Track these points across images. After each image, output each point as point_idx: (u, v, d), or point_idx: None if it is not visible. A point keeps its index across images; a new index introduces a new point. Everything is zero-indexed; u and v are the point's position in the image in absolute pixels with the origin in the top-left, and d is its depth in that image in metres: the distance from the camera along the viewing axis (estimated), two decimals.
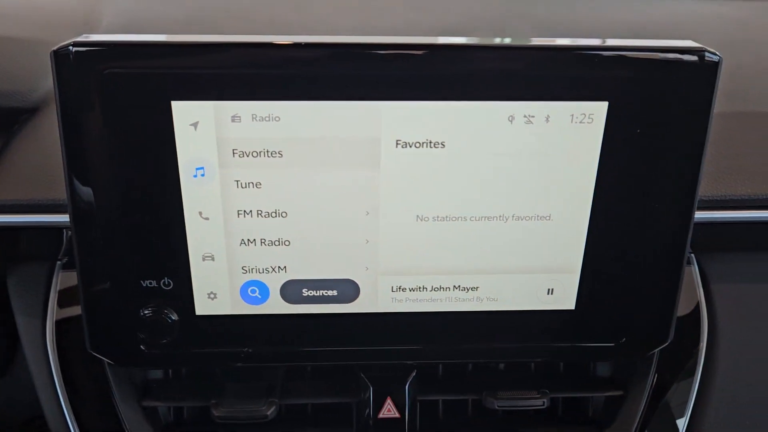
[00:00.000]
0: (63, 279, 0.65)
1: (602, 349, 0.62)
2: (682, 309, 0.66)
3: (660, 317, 0.61)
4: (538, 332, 0.61)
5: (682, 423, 0.64)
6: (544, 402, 0.63)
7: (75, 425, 0.62)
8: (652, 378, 0.65)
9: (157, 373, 0.67)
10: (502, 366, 0.68)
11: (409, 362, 0.63)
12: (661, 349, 0.64)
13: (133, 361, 0.59)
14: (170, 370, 0.66)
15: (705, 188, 0.66)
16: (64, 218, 0.59)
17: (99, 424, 0.62)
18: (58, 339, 0.63)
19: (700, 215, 0.64)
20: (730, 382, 0.65)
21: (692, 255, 0.69)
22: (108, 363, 0.61)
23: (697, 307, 0.67)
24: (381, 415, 0.62)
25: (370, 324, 0.59)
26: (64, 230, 0.65)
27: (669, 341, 0.62)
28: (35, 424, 0.74)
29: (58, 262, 0.65)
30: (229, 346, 0.59)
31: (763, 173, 0.68)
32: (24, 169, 0.66)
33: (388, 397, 0.62)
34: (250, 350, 0.60)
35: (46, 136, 0.69)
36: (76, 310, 0.64)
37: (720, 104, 0.75)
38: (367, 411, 0.62)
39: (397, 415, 0.62)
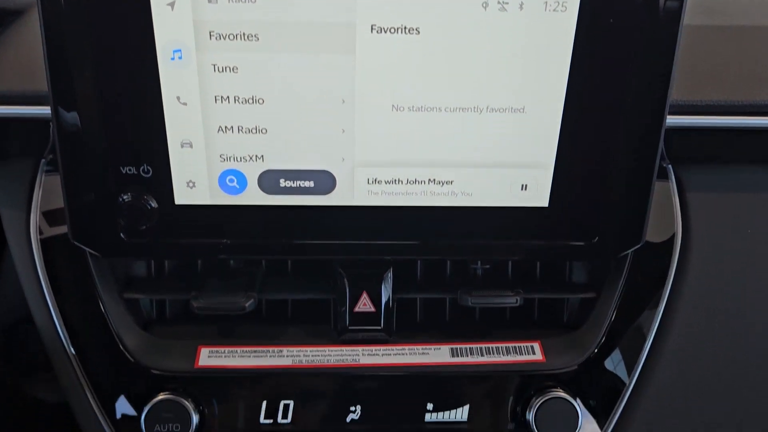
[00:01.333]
0: (47, 176, 0.66)
1: (575, 248, 0.63)
2: (657, 217, 0.67)
3: (632, 218, 0.62)
4: (512, 229, 0.62)
5: (652, 326, 0.65)
6: (517, 300, 0.64)
7: (60, 319, 0.64)
8: (623, 281, 0.66)
9: (139, 269, 0.68)
10: (479, 271, 0.69)
11: (385, 257, 0.64)
12: (634, 255, 0.65)
13: (114, 250, 0.61)
14: (152, 266, 0.68)
15: (680, 94, 0.66)
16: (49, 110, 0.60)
17: (82, 318, 0.64)
18: (42, 234, 0.64)
19: (674, 120, 0.65)
20: (702, 289, 0.67)
21: (669, 166, 0.70)
22: (90, 255, 0.62)
23: (672, 216, 0.68)
24: (357, 309, 0.64)
25: (347, 217, 0.61)
26: (51, 125, 0.66)
27: (641, 243, 0.63)
28: (21, 329, 0.76)
29: (43, 160, 0.66)
30: (208, 237, 0.61)
31: (738, 82, 0.68)
32: (10, 63, 0.67)
33: (364, 292, 0.64)
34: (229, 242, 0.61)
35: (34, 34, 0.70)
36: (59, 206, 0.65)
37: (699, 18, 0.75)
38: (344, 306, 0.64)
39: (372, 309, 0.64)
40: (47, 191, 0.65)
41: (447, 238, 0.62)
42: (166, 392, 0.60)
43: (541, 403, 0.61)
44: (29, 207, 0.65)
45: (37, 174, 0.66)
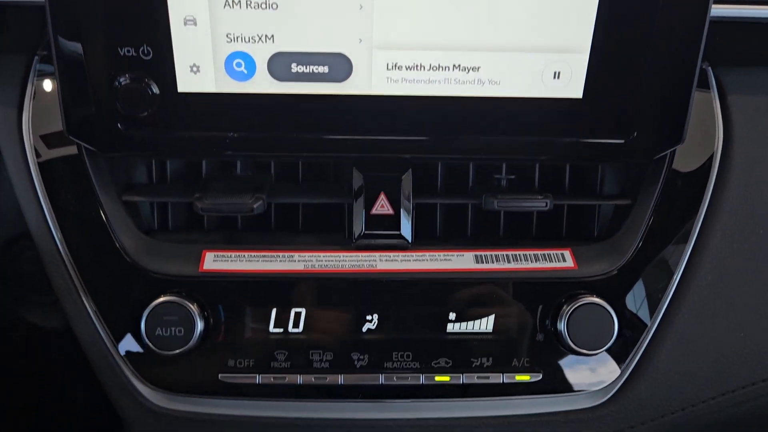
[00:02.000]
0: (40, 78, 0.61)
1: (612, 147, 0.58)
2: (696, 121, 0.62)
3: (673, 112, 0.57)
4: (543, 124, 0.57)
5: (691, 233, 0.60)
6: (546, 203, 0.59)
7: (54, 221, 0.59)
8: (661, 187, 0.61)
9: (140, 176, 0.63)
10: (503, 182, 0.65)
11: (404, 156, 0.59)
12: (672, 160, 0.61)
13: (112, 145, 0.56)
14: (153, 171, 0.63)
15: None
16: None
17: (78, 220, 0.59)
18: (36, 134, 0.60)
19: (719, 9, 0.60)
20: (744, 195, 0.62)
21: (709, 68, 0.65)
22: (87, 154, 0.58)
23: (713, 120, 0.63)
24: (374, 211, 0.59)
25: (364, 108, 0.56)
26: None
27: (682, 141, 0.58)
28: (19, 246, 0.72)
29: (36, 56, 0.61)
30: (213, 130, 0.56)
31: None
32: None
33: (382, 193, 0.59)
34: (236, 135, 0.56)
35: None
36: (54, 105, 0.60)
37: None
38: (360, 208, 0.59)
39: (390, 211, 0.59)
40: (41, 91, 0.61)
41: (471, 133, 0.57)
42: (169, 295, 0.55)
43: (574, 310, 0.56)
44: (21, 105, 0.60)
45: (30, 70, 0.61)
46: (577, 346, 0.56)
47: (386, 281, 0.58)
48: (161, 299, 0.55)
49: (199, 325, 0.55)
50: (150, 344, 0.54)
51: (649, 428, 0.60)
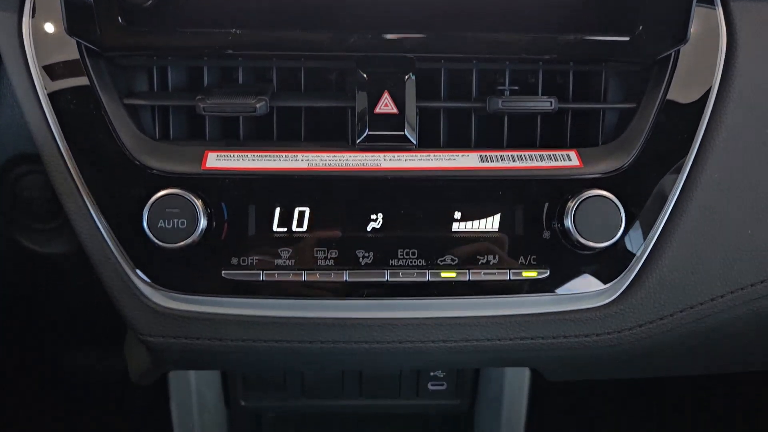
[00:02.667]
0: None
1: (617, 45, 0.58)
2: (700, 28, 0.62)
3: (677, 8, 0.57)
4: (547, 20, 0.57)
5: (698, 132, 0.60)
6: (551, 103, 0.59)
7: (58, 126, 0.58)
8: (664, 89, 0.60)
9: (141, 84, 0.63)
10: (507, 92, 0.64)
11: (407, 56, 0.59)
12: (675, 62, 0.60)
13: (113, 41, 0.56)
14: (155, 78, 0.62)
15: None
16: None
17: (79, 121, 0.58)
18: (36, 36, 0.59)
19: None
20: (750, 92, 0.61)
21: None
22: (89, 56, 0.57)
23: (717, 26, 0.63)
24: (378, 110, 0.59)
25: (367, 3, 0.55)
26: None
27: (686, 41, 0.58)
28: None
29: None
30: (214, 26, 0.56)
31: None
32: None
33: (386, 92, 0.59)
34: (238, 32, 0.56)
35: None
36: (54, 3, 0.59)
37: None
38: (364, 107, 0.58)
39: (394, 110, 0.59)
40: None
41: (474, 30, 0.57)
42: (171, 188, 0.55)
43: (581, 203, 0.55)
44: (21, 8, 0.59)
45: None
46: (585, 239, 0.55)
47: (391, 179, 0.57)
48: (164, 192, 0.54)
49: (202, 219, 0.54)
50: (152, 236, 0.54)
51: (657, 327, 0.59)
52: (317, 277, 0.56)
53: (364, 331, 0.58)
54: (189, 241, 0.54)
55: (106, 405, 1.03)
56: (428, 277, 0.57)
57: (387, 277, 0.57)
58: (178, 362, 0.62)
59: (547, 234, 0.58)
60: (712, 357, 0.72)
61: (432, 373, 0.77)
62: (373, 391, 0.77)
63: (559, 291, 0.58)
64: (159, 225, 0.54)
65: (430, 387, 0.78)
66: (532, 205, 0.58)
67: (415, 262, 0.57)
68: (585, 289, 0.58)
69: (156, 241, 0.54)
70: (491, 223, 0.58)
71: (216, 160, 0.57)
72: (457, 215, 0.58)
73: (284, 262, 0.57)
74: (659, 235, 0.58)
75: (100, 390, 1.00)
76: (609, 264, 0.58)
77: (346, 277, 0.56)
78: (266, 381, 0.77)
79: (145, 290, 0.57)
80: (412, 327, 0.58)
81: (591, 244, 0.56)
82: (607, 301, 0.59)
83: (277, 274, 0.56)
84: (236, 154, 0.58)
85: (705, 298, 0.59)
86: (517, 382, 0.74)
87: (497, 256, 0.57)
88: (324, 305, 0.58)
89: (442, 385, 0.77)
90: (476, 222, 0.58)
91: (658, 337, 0.60)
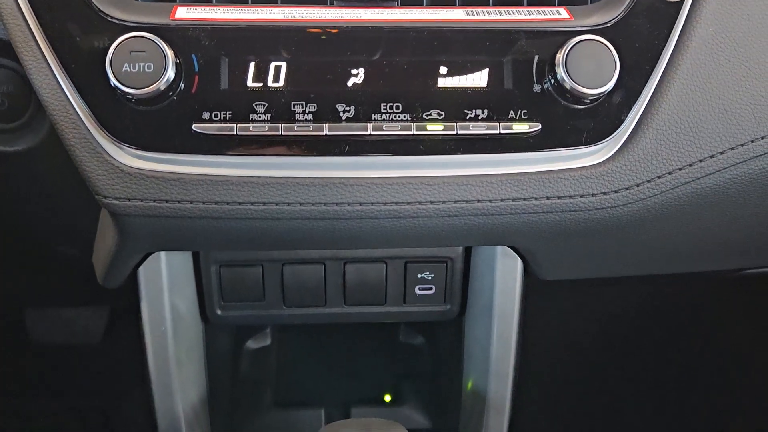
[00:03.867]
0: None
1: None
2: None
3: None
4: None
5: None
6: None
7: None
8: None
9: None
10: None
11: None
12: None
13: None
14: None
15: None
16: None
17: None
18: None
19: None
20: None
21: None
22: None
23: None
24: None
25: None
26: None
27: None
28: None
29: None
30: None
31: None
32: None
33: None
34: None
35: None
36: None
37: None
38: None
39: None
40: None
41: None
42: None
43: (572, 48, 0.52)
44: None
45: None
46: (578, 84, 0.52)
47: (372, 30, 0.54)
48: (131, 34, 0.51)
49: (170, 66, 0.50)
50: (115, 81, 0.50)
51: (655, 187, 0.56)
52: (295, 130, 0.53)
53: (346, 191, 0.54)
54: (155, 87, 0.50)
55: (76, 319, 0.99)
56: (413, 130, 0.53)
57: (370, 130, 0.53)
58: (145, 236, 0.58)
59: (537, 88, 0.55)
60: (709, 244, 0.69)
61: (419, 275, 0.73)
62: (357, 298, 0.73)
63: (552, 148, 0.55)
64: (123, 69, 0.50)
65: (417, 291, 0.74)
66: (521, 58, 0.55)
67: (399, 116, 0.54)
68: (579, 145, 0.55)
69: (120, 85, 0.50)
70: (479, 78, 0.55)
71: (186, 13, 0.54)
72: (443, 69, 0.54)
73: (260, 117, 0.53)
74: (654, 89, 0.55)
75: (69, 295, 0.96)
76: (604, 118, 0.55)
77: (325, 130, 0.53)
78: (244, 291, 0.73)
79: (109, 148, 0.53)
80: (398, 186, 0.54)
81: (585, 90, 0.53)
82: (603, 159, 0.56)
83: (252, 127, 0.52)
84: (207, 7, 0.55)
85: (704, 155, 0.56)
86: (508, 283, 0.71)
87: (486, 110, 0.54)
88: (302, 163, 0.54)
89: (431, 289, 0.74)
90: (463, 76, 0.55)
91: (655, 201, 0.57)
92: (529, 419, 0.90)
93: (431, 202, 0.55)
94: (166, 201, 0.53)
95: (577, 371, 1.51)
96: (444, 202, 0.55)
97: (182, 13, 0.54)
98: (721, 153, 0.56)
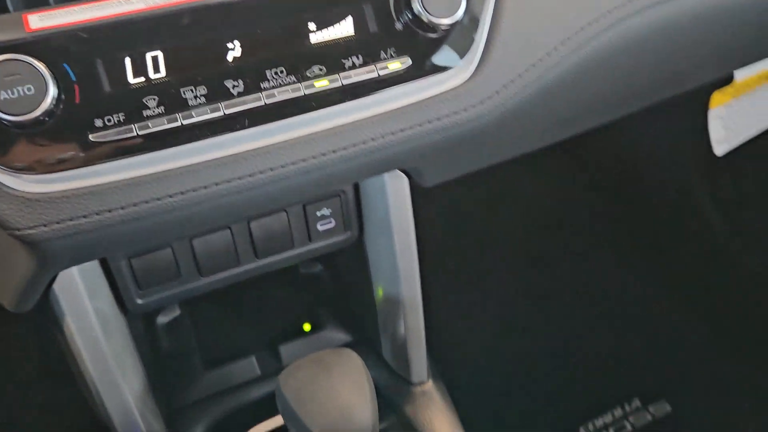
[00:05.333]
0: None
1: None
2: None
3: None
4: None
5: None
6: None
7: None
8: None
9: None
10: None
11: None
12: None
13: None
14: None
15: None
16: None
17: None
18: None
19: None
20: None
21: None
22: None
23: None
24: None
25: None
26: None
27: None
28: None
29: None
30: None
31: None
32: None
33: None
34: None
35: None
36: None
37: None
38: None
39: None
40: None
41: None
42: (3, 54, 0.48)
43: None
44: None
45: None
46: (433, 16, 0.59)
47: (238, 3, 0.55)
48: None
49: (51, 82, 0.49)
50: (1, 113, 0.47)
51: (516, 89, 0.65)
52: (193, 117, 0.54)
53: (257, 161, 0.57)
54: (43, 107, 0.49)
55: None
56: (303, 90, 0.57)
57: (264, 100, 0.56)
58: (65, 255, 0.57)
59: (399, 26, 0.60)
60: (583, 109, 0.81)
61: (318, 213, 0.78)
62: (267, 249, 0.77)
63: (424, 77, 0.61)
64: (2, 98, 0.48)
65: (319, 228, 0.79)
66: (378, 1, 0.60)
67: (286, 79, 0.57)
68: (445, 69, 0.62)
69: (5, 116, 0.48)
70: (346, 27, 0.59)
71: (40, 21, 0.51)
72: (312, 26, 0.58)
73: (154, 111, 0.53)
74: (494, 6, 0.63)
75: None
76: (461, 40, 0.62)
77: (222, 110, 0.55)
78: (159, 275, 0.74)
79: (8, 181, 0.51)
80: (302, 144, 0.58)
81: (440, 21, 0.59)
82: (468, 75, 0.63)
83: (151, 123, 0.53)
84: (59, 10, 0.52)
85: (547, 51, 0.66)
86: (399, 198, 0.78)
87: (360, 56, 0.59)
88: (210, 145, 0.55)
89: (331, 222, 0.80)
90: (331, 28, 0.58)
91: (522, 98, 0.66)
92: (439, 311, 1.02)
93: (333, 151, 0.60)
94: (84, 216, 0.53)
95: (475, 260, 1.70)
96: (345, 148, 0.60)
97: (36, 22, 0.51)
98: (562, 44, 0.66)
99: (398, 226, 0.80)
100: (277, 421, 0.87)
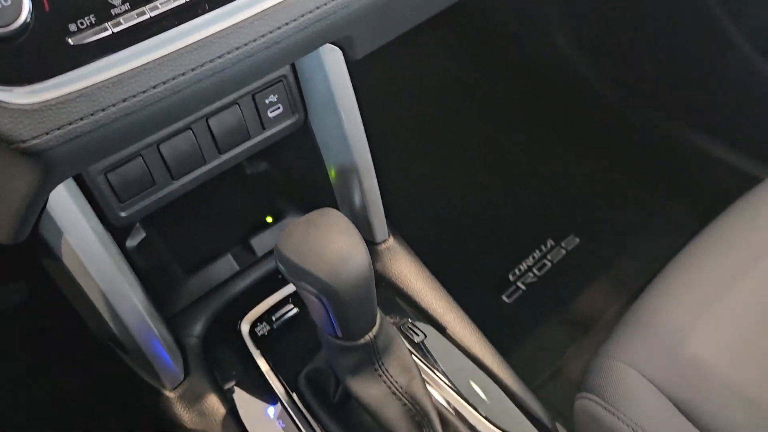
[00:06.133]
0: None
1: None
2: None
3: None
4: None
5: None
6: None
7: None
8: None
9: None
10: None
11: None
12: None
13: None
14: None
15: None
16: None
17: None
18: None
19: None
20: None
21: None
22: None
23: None
24: None
25: None
26: None
27: None
28: None
29: None
30: None
31: None
32: None
33: None
34: None
35: None
36: None
37: None
38: None
39: None
40: None
41: None
42: None
43: None
44: None
45: None
46: None
47: None
48: None
49: None
50: None
51: None
52: (159, 8, 0.58)
53: (224, 42, 0.61)
54: (23, 18, 0.51)
55: None
56: None
57: None
58: (68, 162, 0.60)
59: None
60: None
61: (267, 101, 0.84)
62: (228, 143, 0.82)
63: None
64: None
65: (270, 114, 0.85)
66: None
67: None
68: None
69: None
70: None
71: None
72: None
73: (121, 8, 0.56)
74: None
75: None
76: None
77: None
78: (135, 185, 0.77)
79: (5, 96, 0.53)
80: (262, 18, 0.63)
81: None
82: None
83: (123, 20, 0.56)
84: None
85: None
86: (337, 71, 0.85)
87: None
88: (180, 33, 0.59)
89: (279, 108, 0.85)
90: None
91: None
92: (390, 174, 1.11)
93: (262, 36, 0.64)
94: (81, 119, 0.56)
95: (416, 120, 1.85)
96: (271, 30, 0.65)
97: None
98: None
99: (340, 97, 0.87)
100: (268, 303, 0.95)
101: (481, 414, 0.84)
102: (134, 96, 0.58)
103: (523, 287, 1.72)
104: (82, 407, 1.30)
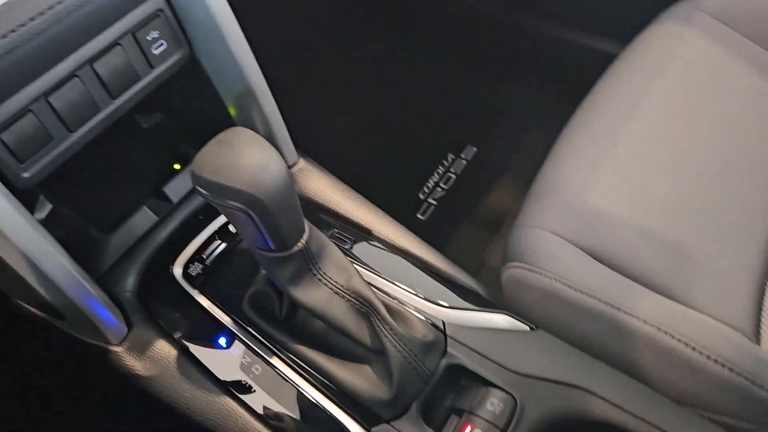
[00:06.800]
0: None
1: None
2: None
3: None
4: None
5: None
6: None
7: None
8: None
9: None
10: None
11: None
12: None
13: None
14: None
15: None
16: None
17: None
18: None
19: None
20: None
21: None
22: None
23: None
24: None
25: None
26: None
27: None
28: None
29: None
30: None
31: None
32: None
33: None
34: None
35: None
36: None
37: None
38: None
39: None
40: None
41: None
42: None
43: None
44: None
45: None
46: None
47: None
48: None
49: None
50: None
51: None
52: None
53: None
54: None
55: None
56: None
57: None
58: None
59: None
60: None
61: (148, 38, 0.82)
62: (118, 87, 0.81)
63: None
64: None
65: (155, 51, 0.84)
66: None
67: None
68: None
69: None
70: None
71: None
72: None
73: None
74: None
75: None
76: None
77: None
78: (33, 142, 0.75)
79: None
80: None
81: None
82: None
83: None
84: None
85: None
86: (216, 2, 0.85)
87: None
88: None
89: (163, 44, 0.84)
90: None
91: None
92: (289, 99, 1.12)
93: None
94: None
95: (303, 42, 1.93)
96: None
97: None
98: None
99: (223, 25, 0.87)
100: (195, 243, 0.96)
101: (421, 296, 0.90)
102: (23, 25, 0.57)
103: (434, 202, 1.80)
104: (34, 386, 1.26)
